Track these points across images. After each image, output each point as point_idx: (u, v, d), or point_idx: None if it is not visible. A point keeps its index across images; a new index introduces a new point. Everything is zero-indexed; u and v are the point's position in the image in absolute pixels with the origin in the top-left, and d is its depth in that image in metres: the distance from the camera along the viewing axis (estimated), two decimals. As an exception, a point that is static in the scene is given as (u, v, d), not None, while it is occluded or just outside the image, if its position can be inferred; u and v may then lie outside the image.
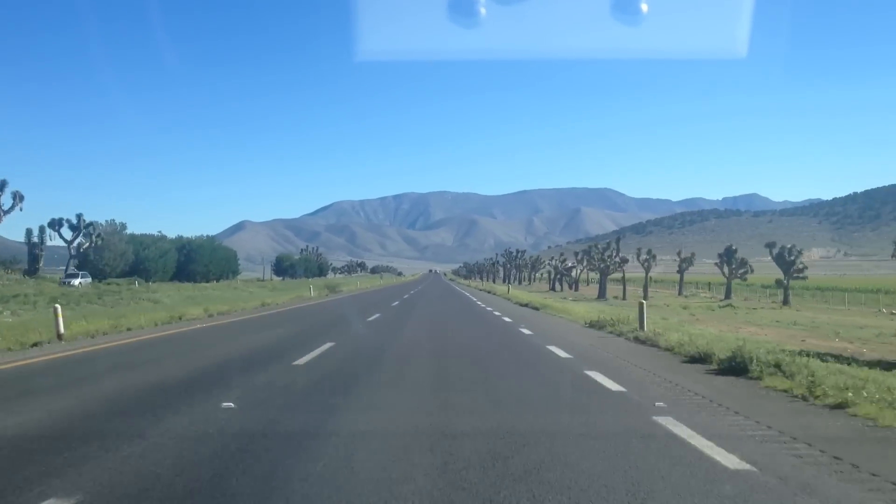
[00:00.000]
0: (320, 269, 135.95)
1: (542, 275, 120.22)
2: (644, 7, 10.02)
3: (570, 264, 79.80)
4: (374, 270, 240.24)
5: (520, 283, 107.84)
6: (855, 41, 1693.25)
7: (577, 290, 72.36)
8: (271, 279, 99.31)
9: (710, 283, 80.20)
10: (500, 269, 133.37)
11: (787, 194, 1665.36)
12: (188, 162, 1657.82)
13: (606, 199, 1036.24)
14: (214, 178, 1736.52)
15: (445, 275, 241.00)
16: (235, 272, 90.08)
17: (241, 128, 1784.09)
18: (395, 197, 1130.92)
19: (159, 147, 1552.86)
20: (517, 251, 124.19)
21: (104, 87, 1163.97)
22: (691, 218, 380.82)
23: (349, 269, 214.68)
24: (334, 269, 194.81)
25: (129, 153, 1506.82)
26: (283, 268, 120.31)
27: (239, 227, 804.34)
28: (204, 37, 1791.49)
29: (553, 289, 76.91)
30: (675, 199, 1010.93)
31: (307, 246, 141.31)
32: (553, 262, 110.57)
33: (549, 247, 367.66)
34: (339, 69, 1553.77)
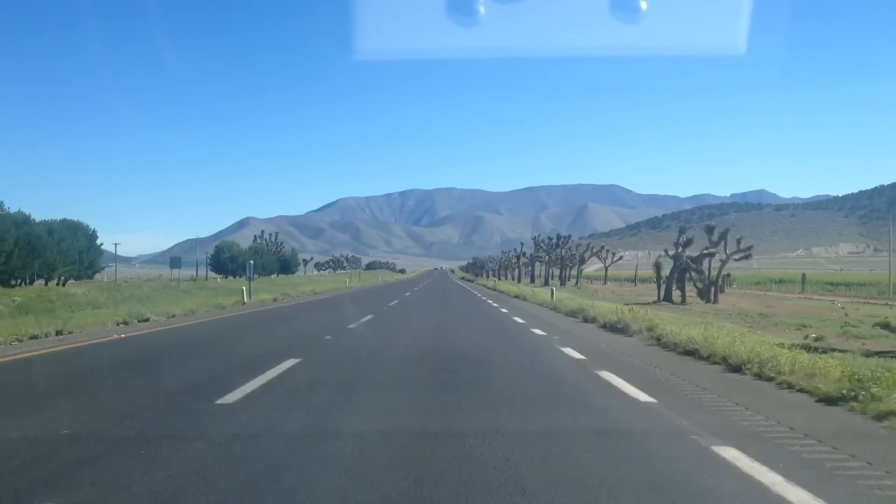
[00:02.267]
0: (284, 265, 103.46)
1: (577, 271, 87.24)
2: (643, 4, 9.86)
3: (707, 250, 38.80)
4: (370, 267, 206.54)
5: (562, 282, 74.65)
6: (859, 37, 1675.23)
7: (715, 300, 36.70)
8: (205, 279, 71.80)
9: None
10: (531, 262, 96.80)
11: (796, 190, 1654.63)
12: (191, 159, 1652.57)
13: (613, 195, 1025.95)
14: (218, 175, 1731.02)
15: (454, 272, 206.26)
16: (92, 267, 52.23)
17: (245, 125, 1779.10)
18: (401, 193, 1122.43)
19: (161, 145, 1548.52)
20: (558, 236, 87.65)
21: (104, 86, 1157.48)
22: (710, 212, 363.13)
23: (335, 264, 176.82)
24: (319, 266, 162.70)
25: (130, 152, 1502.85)
26: (222, 261, 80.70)
27: (243, 224, 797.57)
28: (206, 35, 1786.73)
29: (668, 298, 36.28)
30: (682, 195, 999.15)
31: (262, 232, 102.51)
32: (631, 252, 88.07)
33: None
34: (343, 66, 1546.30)
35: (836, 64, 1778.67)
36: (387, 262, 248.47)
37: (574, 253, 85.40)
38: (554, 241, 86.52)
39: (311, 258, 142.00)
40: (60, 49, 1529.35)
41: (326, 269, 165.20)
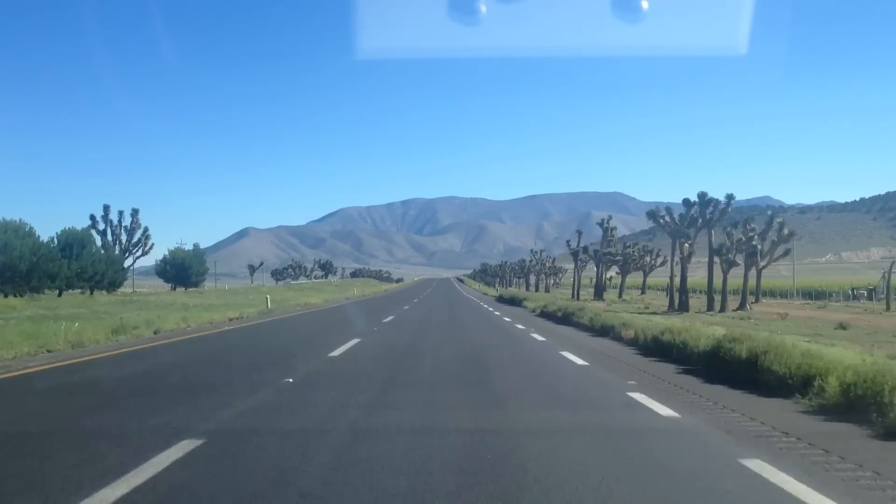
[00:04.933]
0: (180, 272, 67.39)
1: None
2: (644, 4, 9.63)
3: None
4: (355, 275, 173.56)
5: (747, 300, 41.43)
6: (861, 39, 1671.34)
7: None
8: None
9: None
10: (596, 260, 61.53)
11: (801, 196, 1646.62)
12: (191, 169, 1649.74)
13: (616, 202, 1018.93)
14: (218, 185, 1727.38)
15: (462, 281, 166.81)
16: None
17: (245, 135, 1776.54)
18: (403, 203, 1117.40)
19: (161, 154, 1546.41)
20: (700, 198, 41.81)
21: (107, 94, 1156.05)
22: (729, 215, 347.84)
23: (296, 271, 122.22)
24: (277, 274, 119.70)
25: (128, 160, 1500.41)
26: None
27: (242, 234, 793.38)
28: (206, 42, 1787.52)
29: None
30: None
31: (105, 209, 58.64)
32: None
33: (563, 251, 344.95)
34: (344, 71, 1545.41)
35: (838, 66, 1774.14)
36: (378, 271, 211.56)
37: (756, 241, 41.90)
38: (708, 205, 39.89)
39: (261, 263, 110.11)
40: (62, 56, 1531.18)
41: (285, 277, 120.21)
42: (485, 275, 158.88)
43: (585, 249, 63.98)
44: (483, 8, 9.45)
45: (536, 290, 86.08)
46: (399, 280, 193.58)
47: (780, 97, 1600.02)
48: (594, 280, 63.79)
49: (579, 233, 66.47)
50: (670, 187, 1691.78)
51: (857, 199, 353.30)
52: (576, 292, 59.03)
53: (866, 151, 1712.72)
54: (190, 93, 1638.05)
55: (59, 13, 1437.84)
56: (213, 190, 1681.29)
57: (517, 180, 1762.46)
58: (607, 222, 61.82)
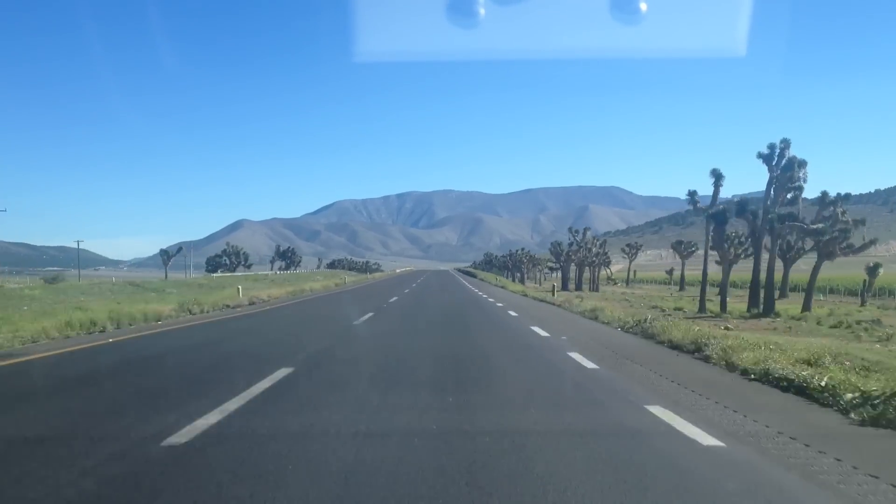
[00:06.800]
0: None
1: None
2: (643, 6, 9.65)
3: None
4: (332, 265, 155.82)
5: None
6: (856, 40, 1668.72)
7: None
8: None
9: None
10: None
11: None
12: (186, 163, 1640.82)
13: (613, 196, 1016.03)
14: (214, 178, 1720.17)
15: (474, 275, 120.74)
16: None
17: (242, 129, 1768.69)
18: (399, 196, 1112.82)
19: (157, 149, 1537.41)
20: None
21: (104, 90, 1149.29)
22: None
23: (235, 259, 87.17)
24: (211, 262, 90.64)
25: (125, 156, 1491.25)
26: None
27: (237, 226, 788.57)
28: (204, 38, 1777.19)
29: None
30: (683, 196, 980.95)
31: None
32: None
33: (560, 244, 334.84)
34: (341, 69, 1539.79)
35: (836, 65, 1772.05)
36: (366, 262, 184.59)
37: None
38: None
39: (180, 249, 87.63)
40: (58, 52, 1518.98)
41: (221, 268, 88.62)
42: (489, 266, 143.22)
43: (743, 208, 30.21)
44: (482, 11, 9.33)
45: (578, 287, 62.49)
46: (395, 271, 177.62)
47: (777, 95, 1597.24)
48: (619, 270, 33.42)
49: (717, 174, 32.60)
50: (668, 182, 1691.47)
51: (873, 190, 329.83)
52: (720, 298, 29.70)
53: (861, 149, 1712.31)
54: (187, 88, 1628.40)
55: (55, 9, 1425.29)
56: (209, 182, 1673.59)
57: (514, 174, 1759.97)
58: (781, 149, 29.20)
